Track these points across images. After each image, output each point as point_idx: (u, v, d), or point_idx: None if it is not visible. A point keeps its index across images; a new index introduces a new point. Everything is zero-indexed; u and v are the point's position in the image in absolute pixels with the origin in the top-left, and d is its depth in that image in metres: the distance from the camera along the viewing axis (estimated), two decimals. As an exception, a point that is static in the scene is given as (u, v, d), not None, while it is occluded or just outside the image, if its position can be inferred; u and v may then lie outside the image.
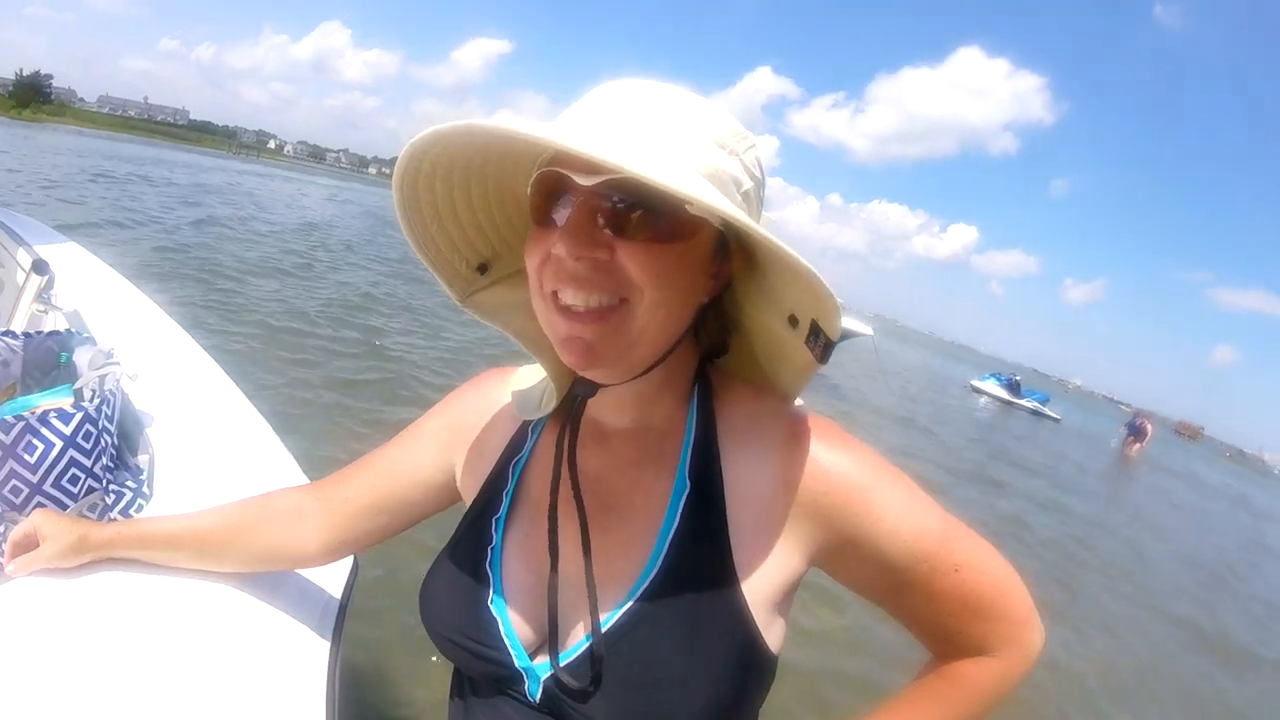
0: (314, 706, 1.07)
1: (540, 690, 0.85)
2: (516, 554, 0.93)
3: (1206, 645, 7.67)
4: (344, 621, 1.28)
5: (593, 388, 0.87)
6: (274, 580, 1.25)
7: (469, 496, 1.03)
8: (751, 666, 0.83)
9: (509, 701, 0.89)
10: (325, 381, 7.42)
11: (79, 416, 1.43)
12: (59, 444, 1.40)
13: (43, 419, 1.40)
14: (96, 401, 1.49)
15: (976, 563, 0.87)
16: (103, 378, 1.59)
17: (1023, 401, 36.16)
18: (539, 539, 0.91)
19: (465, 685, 0.97)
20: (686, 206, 0.73)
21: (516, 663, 0.86)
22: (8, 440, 1.37)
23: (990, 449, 17.34)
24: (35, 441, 1.39)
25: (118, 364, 1.64)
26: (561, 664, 0.84)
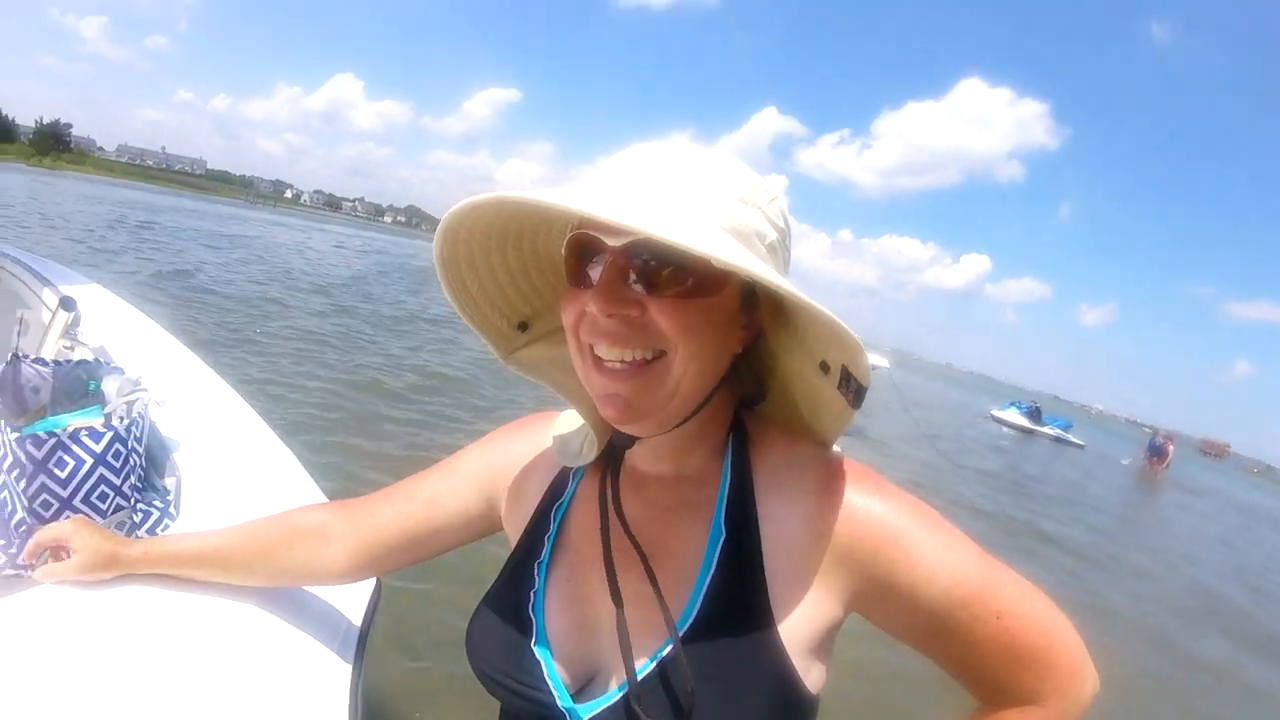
0: None
1: None
2: (558, 598, 0.95)
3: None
4: (366, 644, 1.30)
5: (631, 439, 0.90)
6: (296, 601, 1.28)
7: (512, 537, 1.05)
8: (790, 709, 0.83)
9: None
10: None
11: (109, 436, 1.48)
12: (89, 461, 1.45)
13: (74, 437, 1.44)
14: (126, 423, 1.53)
15: (1020, 609, 0.84)
16: (131, 403, 1.63)
17: (1045, 429, 35.85)
18: (579, 584, 0.94)
19: None
20: (711, 262, 0.74)
21: (560, 703, 0.87)
22: (39, 455, 1.41)
23: (1014, 480, 17.17)
24: (66, 458, 1.43)
25: (145, 390, 1.69)
26: (603, 707, 0.86)
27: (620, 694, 0.85)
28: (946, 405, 44.96)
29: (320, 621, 1.27)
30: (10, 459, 1.41)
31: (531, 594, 0.95)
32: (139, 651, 1.11)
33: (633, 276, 0.78)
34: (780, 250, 0.84)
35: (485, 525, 1.11)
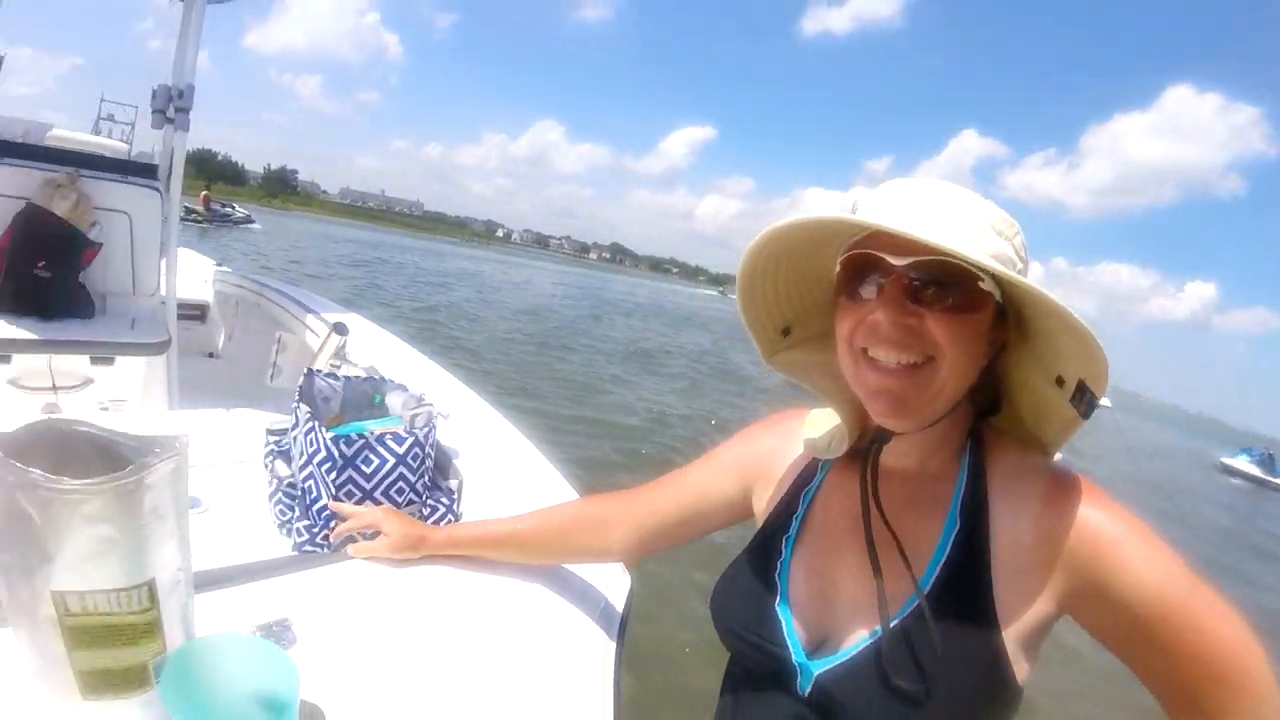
0: (603, 699, 1.23)
1: (810, 686, 0.98)
2: (802, 568, 1.07)
3: None
4: (627, 626, 1.45)
5: (889, 435, 1.00)
6: (571, 586, 1.44)
7: (761, 516, 1.19)
8: (998, 695, 0.91)
9: (779, 695, 1.02)
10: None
11: (410, 441, 1.71)
12: (392, 461, 1.68)
13: (380, 440, 1.68)
14: (425, 431, 1.76)
15: (1220, 629, 0.86)
16: (416, 415, 1.86)
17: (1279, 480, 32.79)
18: (823, 557, 1.06)
19: (739, 679, 1.11)
20: (979, 283, 0.87)
21: (794, 659, 0.99)
22: (349, 453, 1.65)
23: (1246, 539, 15.79)
24: (372, 456, 1.67)
25: (431, 405, 1.93)
26: (834, 665, 0.97)
27: (853, 653, 0.96)
28: (1172, 451, 41.97)
29: (590, 604, 1.43)
30: (323, 454, 1.65)
31: (778, 563, 1.08)
32: (436, 618, 1.29)
33: (910, 292, 0.89)
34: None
35: (741, 510, 1.24)
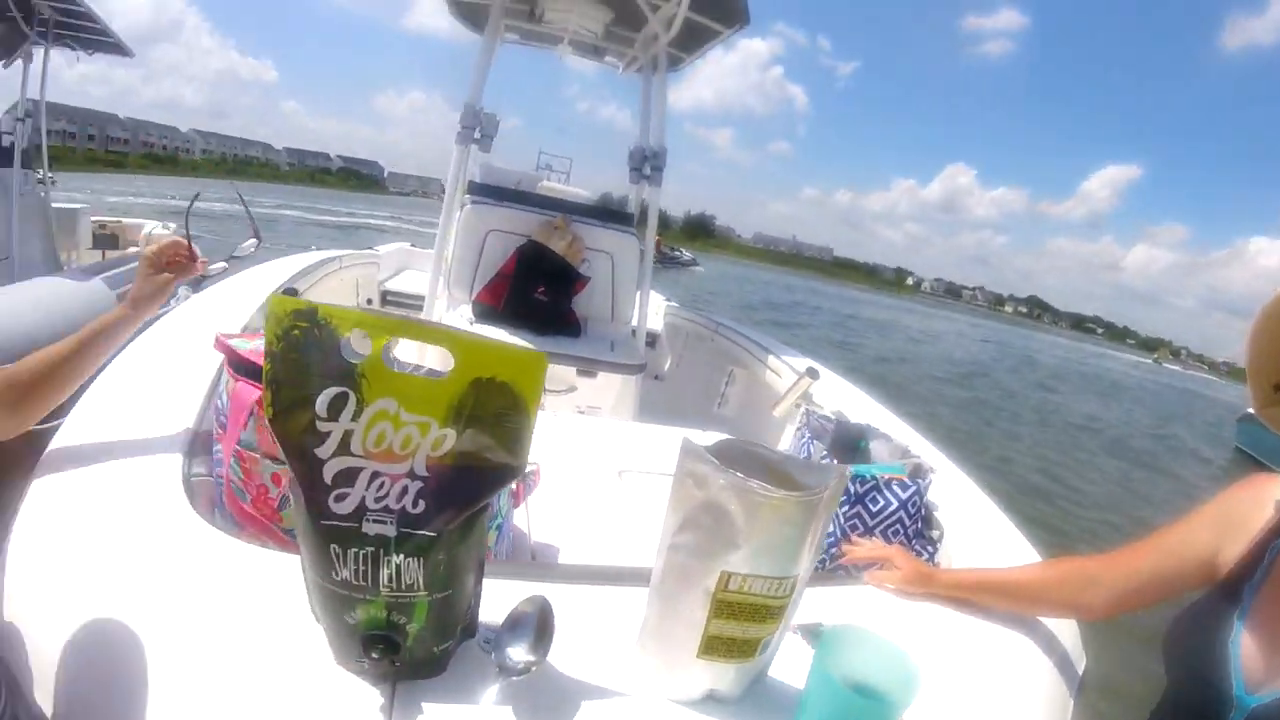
0: None
1: None
2: (1259, 614, 1.15)
3: None
4: (1081, 694, 1.51)
5: None
6: (1043, 636, 1.52)
7: (1225, 567, 1.25)
8: None
9: None
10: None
11: (912, 489, 1.90)
12: (895, 504, 1.88)
13: (887, 484, 1.89)
14: (927, 482, 1.95)
15: None
16: (909, 465, 2.05)
17: None
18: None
19: (1165, 714, 1.23)
20: None
21: (1234, 691, 1.10)
22: (861, 491, 1.87)
23: None
24: (879, 498, 1.88)
25: (918, 458, 2.11)
26: (1269, 700, 1.07)
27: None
28: None
29: (1056, 659, 1.50)
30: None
31: (1238, 607, 1.17)
32: (928, 647, 1.30)
33: None
34: None
35: (1210, 571, 1.29)
